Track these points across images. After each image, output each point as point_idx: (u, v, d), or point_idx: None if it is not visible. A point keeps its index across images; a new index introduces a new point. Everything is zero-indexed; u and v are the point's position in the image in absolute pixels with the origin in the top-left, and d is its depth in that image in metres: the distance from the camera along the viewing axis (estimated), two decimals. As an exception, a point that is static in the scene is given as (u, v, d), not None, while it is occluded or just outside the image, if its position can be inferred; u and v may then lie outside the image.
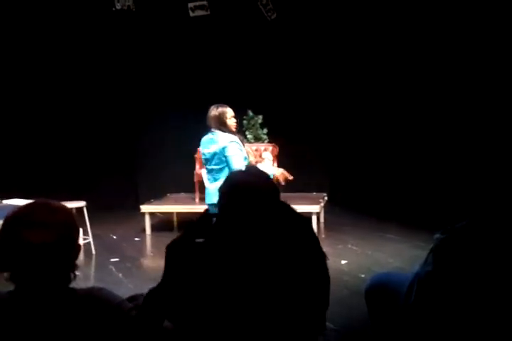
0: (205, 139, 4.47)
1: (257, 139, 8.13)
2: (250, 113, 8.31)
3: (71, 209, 1.64)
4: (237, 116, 8.03)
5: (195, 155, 7.16)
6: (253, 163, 4.41)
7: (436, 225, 2.24)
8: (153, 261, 5.54)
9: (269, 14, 7.83)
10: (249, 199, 1.80)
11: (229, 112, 4.40)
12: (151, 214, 6.82)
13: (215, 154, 4.26)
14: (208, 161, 4.37)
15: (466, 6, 6.10)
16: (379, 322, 2.49)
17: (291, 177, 4.84)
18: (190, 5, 7.89)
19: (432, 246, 2.04)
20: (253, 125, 8.25)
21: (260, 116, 8.24)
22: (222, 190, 1.90)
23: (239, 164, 4.10)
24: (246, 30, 8.12)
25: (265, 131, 8.25)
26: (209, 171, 4.41)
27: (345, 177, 8.03)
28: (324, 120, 7.94)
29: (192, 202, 6.99)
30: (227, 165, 4.16)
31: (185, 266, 1.74)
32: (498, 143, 5.82)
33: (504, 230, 1.93)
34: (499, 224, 1.96)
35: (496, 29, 5.88)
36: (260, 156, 7.38)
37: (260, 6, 7.78)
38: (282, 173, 4.75)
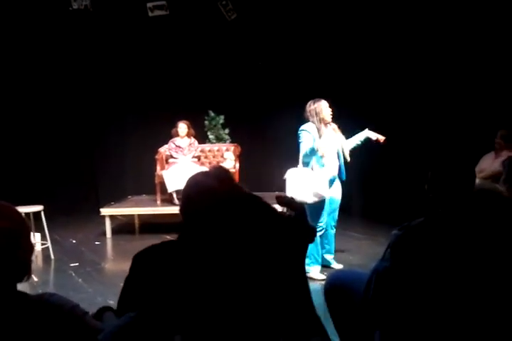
0: None
1: (219, 139, 8.13)
2: (212, 113, 8.29)
3: (17, 210, 1.58)
4: (199, 116, 8.13)
5: (156, 157, 7.08)
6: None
7: (398, 222, 2.26)
8: (113, 265, 5.45)
9: (229, 14, 7.82)
10: (205, 201, 1.78)
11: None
12: (112, 217, 6.71)
13: None
14: None
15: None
16: (340, 319, 2.50)
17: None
18: (149, 5, 7.81)
19: (389, 242, 2.06)
20: (215, 125, 8.24)
21: (222, 117, 8.24)
22: (183, 194, 1.88)
23: (302, 151, 4.53)
24: (205, 30, 8.08)
25: (227, 131, 8.24)
26: None
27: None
28: (288, 117, 7.96)
29: (154, 204, 6.90)
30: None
31: (152, 271, 1.71)
32: (456, 142, 5.94)
33: (459, 227, 1.97)
34: (454, 221, 2.00)
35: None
36: (222, 156, 7.37)
37: (220, 6, 7.77)
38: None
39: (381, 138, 4.79)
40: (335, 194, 4.75)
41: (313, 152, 4.43)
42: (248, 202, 1.90)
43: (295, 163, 4.61)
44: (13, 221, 1.51)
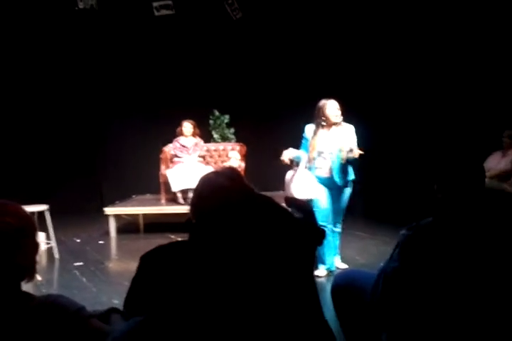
0: None
1: (224, 139, 8.10)
2: (216, 112, 8.27)
3: (25, 209, 1.57)
4: (204, 115, 8.11)
5: (161, 156, 7.07)
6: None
7: (402, 221, 2.23)
8: (118, 265, 5.44)
9: (235, 13, 7.80)
10: (218, 200, 1.76)
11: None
12: (116, 216, 6.69)
13: None
14: None
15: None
16: (346, 320, 2.47)
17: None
18: (155, 4, 7.81)
19: (397, 242, 2.04)
20: (219, 124, 8.22)
21: (227, 116, 8.21)
22: (195, 192, 1.87)
23: None
24: (211, 29, 8.06)
25: (232, 130, 8.22)
26: None
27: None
28: (291, 116, 7.93)
29: (158, 203, 6.89)
30: None
31: (160, 273, 1.69)
32: (464, 142, 5.91)
33: (468, 227, 1.94)
34: (463, 221, 1.97)
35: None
36: (227, 156, 7.34)
37: (226, 6, 7.75)
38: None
39: (356, 153, 4.35)
40: (321, 197, 4.49)
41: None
42: (260, 202, 1.88)
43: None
44: (19, 219, 1.50)
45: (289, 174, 4.51)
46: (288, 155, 4.44)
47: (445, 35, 6.64)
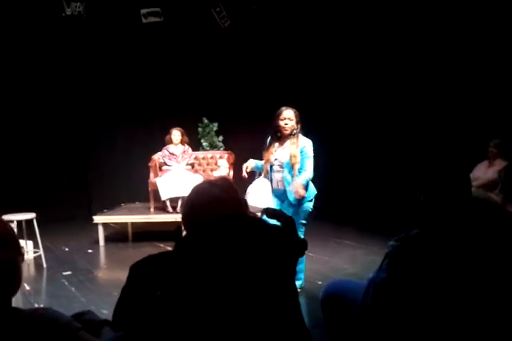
0: None
1: (213, 147, 8.13)
2: (205, 120, 8.29)
3: (7, 223, 1.56)
4: (192, 123, 8.12)
5: (150, 164, 7.06)
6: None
7: (392, 231, 2.25)
8: (107, 274, 5.40)
9: (223, 21, 7.84)
10: (214, 211, 1.77)
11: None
12: (105, 224, 6.66)
13: None
14: None
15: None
16: (335, 329, 2.48)
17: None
18: (143, 11, 7.82)
19: (386, 252, 2.05)
20: (208, 132, 8.24)
21: (215, 124, 8.24)
22: (187, 201, 1.87)
23: None
24: (199, 37, 8.09)
25: (221, 138, 8.24)
26: None
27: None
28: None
29: (147, 211, 6.87)
30: None
31: (149, 283, 1.69)
32: (450, 151, 5.96)
33: (455, 237, 1.96)
34: (450, 231, 1.99)
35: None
36: (216, 164, 7.35)
37: (214, 13, 7.78)
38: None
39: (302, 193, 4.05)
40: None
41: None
42: (250, 215, 1.91)
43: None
44: (1, 234, 1.48)
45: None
46: (247, 165, 4.32)
47: (418, 48, 6.72)
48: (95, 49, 8.02)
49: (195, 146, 7.74)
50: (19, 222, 5.26)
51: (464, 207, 2.08)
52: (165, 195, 6.47)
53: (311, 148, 4.16)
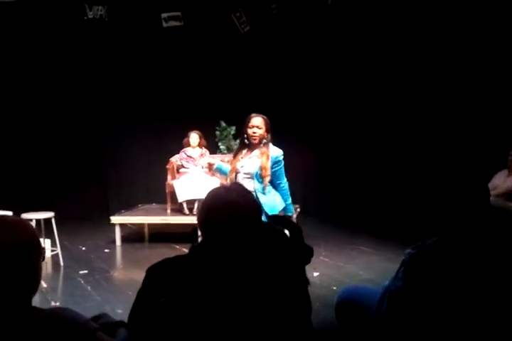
0: None
1: (230, 150, 8.15)
2: (223, 124, 8.33)
3: (30, 224, 1.58)
4: (210, 127, 8.16)
5: (167, 166, 7.11)
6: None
7: (408, 238, 2.24)
8: (122, 273, 5.44)
9: (243, 27, 7.89)
10: (231, 217, 1.78)
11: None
12: (122, 225, 6.73)
13: None
14: None
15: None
16: (349, 335, 2.48)
17: None
18: (164, 15, 7.91)
19: (402, 260, 2.05)
20: (226, 136, 8.28)
21: (233, 127, 8.27)
22: (203, 206, 1.87)
23: None
24: (219, 41, 8.14)
25: (238, 141, 8.25)
26: None
27: (318, 189, 8.07)
28: (297, 131, 7.97)
29: (164, 212, 6.92)
30: None
31: (165, 287, 1.71)
32: (469, 160, 5.90)
33: (473, 247, 1.95)
34: (468, 240, 1.98)
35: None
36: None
37: (234, 18, 7.84)
38: None
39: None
40: None
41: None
42: (264, 222, 1.92)
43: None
44: (25, 235, 1.51)
45: None
46: (208, 160, 4.29)
47: (418, 49, 6.66)
48: (116, 52, 8.12)
49: (213, 149, 7.78)
50: (38, 221, 5.34)
51: (482, 216, 2.07)
52: (182, 197, 6.52)
53: (283, 157, 3.94)
